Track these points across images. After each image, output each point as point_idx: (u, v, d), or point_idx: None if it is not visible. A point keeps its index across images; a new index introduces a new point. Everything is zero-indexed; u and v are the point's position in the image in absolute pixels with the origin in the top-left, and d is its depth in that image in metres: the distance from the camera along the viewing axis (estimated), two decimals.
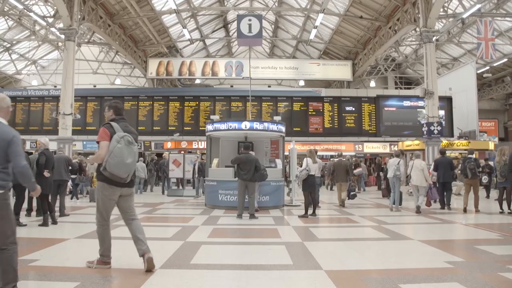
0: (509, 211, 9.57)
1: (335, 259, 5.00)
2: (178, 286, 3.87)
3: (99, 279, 3.94)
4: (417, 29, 18.27)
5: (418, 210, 9.92)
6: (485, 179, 12.27)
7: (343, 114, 24.05)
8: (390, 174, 10.54)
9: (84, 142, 23.44)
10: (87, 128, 23.66)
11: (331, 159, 24.75)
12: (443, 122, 20.80)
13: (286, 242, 6.04)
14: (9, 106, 3.49)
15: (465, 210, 10.08)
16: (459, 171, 10.96)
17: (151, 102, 24.30)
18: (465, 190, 10.59)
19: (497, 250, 5.43)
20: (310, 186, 9.25)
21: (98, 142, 4.19)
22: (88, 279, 3.93)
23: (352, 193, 11.68)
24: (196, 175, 14.93)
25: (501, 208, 9.86)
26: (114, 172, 4.05)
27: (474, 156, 11.10)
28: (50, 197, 7.78)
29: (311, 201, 9.24)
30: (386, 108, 24.11)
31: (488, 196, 14.30)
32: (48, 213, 7.49)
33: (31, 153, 11.08)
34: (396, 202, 10.45)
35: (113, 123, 4.24)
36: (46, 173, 7.45)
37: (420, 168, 10.04)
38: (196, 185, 15.47)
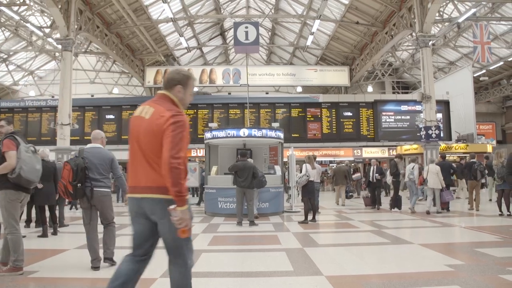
0: (508, 213, 9.59)
1: (335, 264, 4.99)
2: None
3: None
4: (413, 34, 18.37)
5: (438, 211, 10.52)
6: None
7: (341, 120, 24.14)
8: (405, 178, 11.47)
9: None
10: (85, 138, 23.48)
11: (330, 165, 24.84)
12: (441, 126, 20.85)
13: (286, 249, 6.02)
14: (103, 137, 5.05)
15: (477, 209, 10.92)
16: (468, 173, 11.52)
17: None
18: (469, 191, 11.41)
19: (497, 253, 5.43)
20: (309, 192, 9.27)
21: (4, 153, 4.36)
22: None
23: (349, 194, 14.39)
24: None
25: (500, 210, 9.92)
26: (29, 177, 4.42)
27: (475, 159, 11.66)
28: (49, 208, 7.72)
29: (311, 207, 9.24)
30: (384, 113, 24.20)
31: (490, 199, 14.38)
32: (52, 223, 7.54)
33: None
34: (413, 203, 11.18)
35: (16, 136, 4.52)
36: (39, 185, 7.35)
37: (435, 172, 10.52)
38: None
